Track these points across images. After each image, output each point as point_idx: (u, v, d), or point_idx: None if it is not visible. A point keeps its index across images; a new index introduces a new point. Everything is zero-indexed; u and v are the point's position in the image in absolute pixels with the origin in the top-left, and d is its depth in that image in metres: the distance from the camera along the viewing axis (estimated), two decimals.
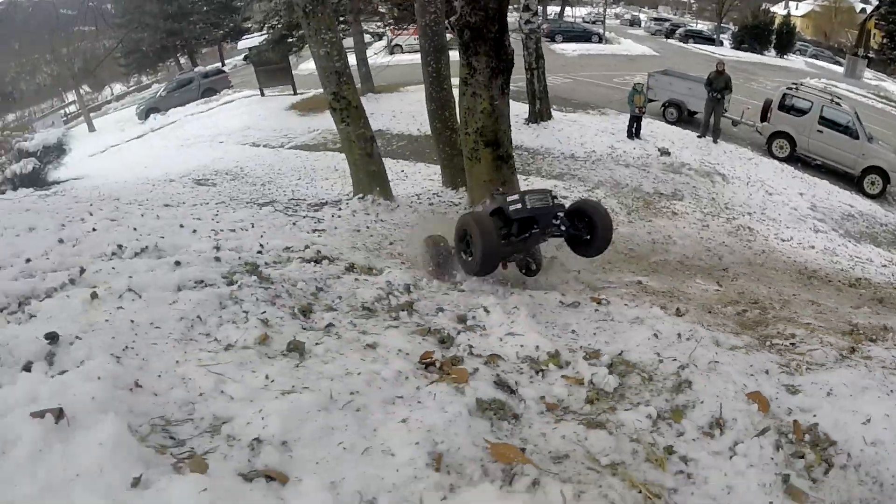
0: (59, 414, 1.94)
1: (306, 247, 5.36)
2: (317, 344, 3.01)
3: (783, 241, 11.72)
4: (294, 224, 7.37)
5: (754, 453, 2.33)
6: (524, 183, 12.64)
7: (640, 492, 2.03)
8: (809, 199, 14.68)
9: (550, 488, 1.95)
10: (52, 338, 2.65)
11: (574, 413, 2.65)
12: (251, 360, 2.77)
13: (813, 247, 11.76)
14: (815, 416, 2.53)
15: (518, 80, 17.42)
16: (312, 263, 4.83)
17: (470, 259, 4.89)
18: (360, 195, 9.10)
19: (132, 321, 2.99)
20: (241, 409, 2.24)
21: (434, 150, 12.25)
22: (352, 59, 21.90)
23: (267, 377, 2.56)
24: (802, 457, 2.33)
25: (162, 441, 2.07)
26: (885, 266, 11.66)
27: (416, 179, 13.17)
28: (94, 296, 3.30)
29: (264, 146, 18.23)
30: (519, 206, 5.02)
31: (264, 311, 3.44)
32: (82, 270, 4.03)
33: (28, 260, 4.55)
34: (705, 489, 2.15)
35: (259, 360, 2.77)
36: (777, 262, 9.33)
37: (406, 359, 2.92)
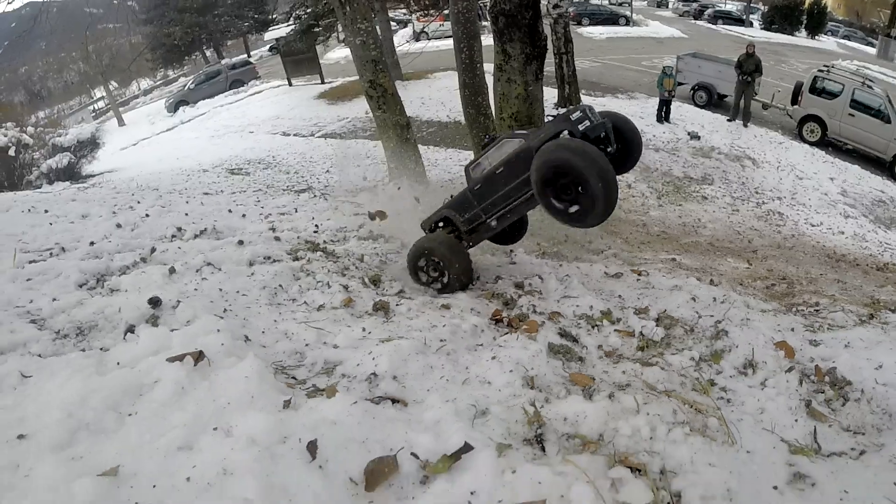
0: (198, 356, 2.25)
1: (360, 226, 5.63)
2: (397, 305, 3.41)
3: (813, 226, 11.73)
4: (335, 209, 7.58)
5: (782, 385, 2.69)
6: None
7: (692, 406, 2.39)
8: (840, 185, 14.59)
9: (624, 398, 2.35)
10: (155, 302, 2.95)
11: (628, 358, 3.02)
12: (343, 318, 3.16)
13: (843, 232, 11.74)
14: (833, 362, 2.83)
15: (547, 64, 17.33)
16: (369, 241, 5.13)
17: (581, 204, 3.39)
18: (396, 180, 9.28)
19: (220, 289, 3.36)
20: (348, 355, 2.59)
21: (465, 137, 12.37)
22: None
23: (363, 329, 2.94)
24: (822, 392, 2.67)
25: (286, 380, 2.39)
26: None
27: (447, 165, 13.30)
28: (172, 270, 3.63)
29: (294, 135, 18.38)
30: (588, 123, 3.74)
31: (341, 281, 3.82)
32: (153, 250, 4.34)
33: (92, 243, 4.85)
34: (742, 409, 2.52)
35: (350, 318, 3.16)
36: (806, 247, 9.40)
37: (479, 316, 3.30)
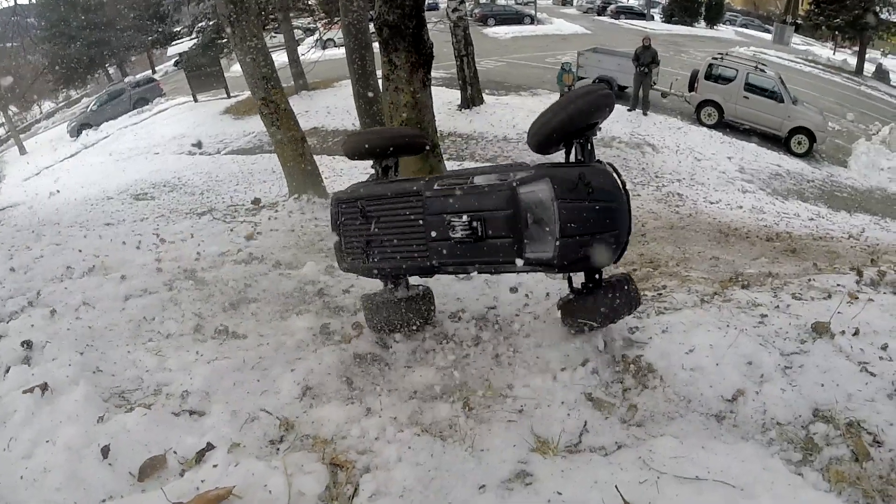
0: (44, 387, 2.73)
1: (239, 250, 5.63)
2: (237, 326, 3.66)
3: (711, 203, 12.23)
4: (232, 230, 7.48)
5: (568, 378, 2.70)
6: (457, 167, 12.88)
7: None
8: (737, 162, 15.35)
9: (373, 402, 2.69)
10: (28, 344, 3.32)
11: (435, 363, 3.11)
12: (185, 343, 3.45)
13: (741, 207, 12.32)
14: (643, 348, 2.85)
15: (450, 66, 17.69)
16: (243, 264, 5.12)
17: None
18: (296, 196, 9.18)
19: (90, 327, 3.67)
20: (176, 376, 3.00)
21: None
22: (284, 57, 21.88)
23: (197, 353, 3.25)
24: (622, 382, 2.68)
25: (118, 402, 2.84)
26: (811, 219, 12.38)
27: (353, 174, 13.09)
28: (53, 312, 3.89)
29: (201, 154, 18.05)
30: None
31: (199, 308, 3.99)
32: (38, 293, 4.44)
33: None
34: (518, 405, 2.60)
35: (193, 343, 3.45)
36: (700, 224, 9.60)
37: (309, 331, 3.50)
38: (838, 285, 3.92)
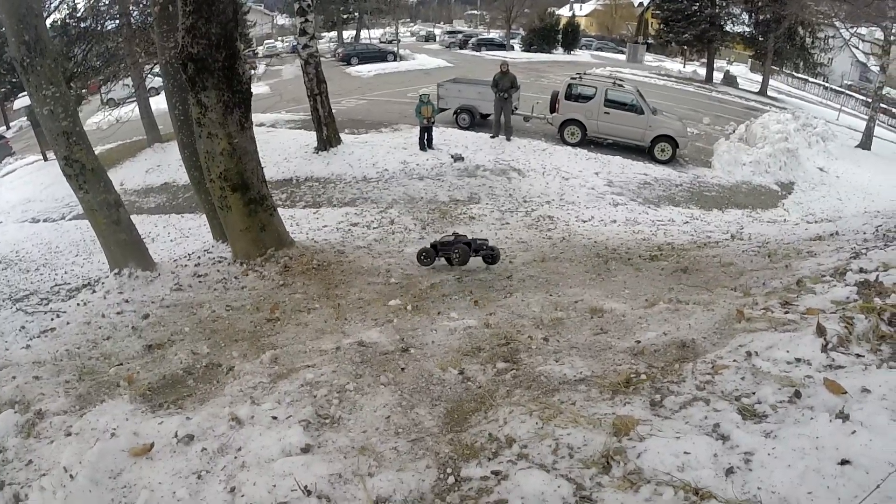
0: None
1: None
2: None
3: (584, 222, 11.92)
4: (22, 328, 6.24)
5: None
6: (314, 216, 12.18)
7: None
8: (605, 177, 15.35)
9: None
10: None
11: None
12: None
13: (615, 221, 12.13)
14: None
15: (305, 108, 16.87)
16: None
17: None
18: (117, 270, 7.87)
19: None
20: None
21: None
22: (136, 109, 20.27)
23: None
24: None
25: None
26: (686, 222, 12.40)
27: (201, 234, 11.94)
28: None
29: (45, 220, 15.95)
30: None
31: None
32: None
33: None
34: None
35: None
36: (576, 249, 9.01)
37: None
38: (797, 361, 2.82)
